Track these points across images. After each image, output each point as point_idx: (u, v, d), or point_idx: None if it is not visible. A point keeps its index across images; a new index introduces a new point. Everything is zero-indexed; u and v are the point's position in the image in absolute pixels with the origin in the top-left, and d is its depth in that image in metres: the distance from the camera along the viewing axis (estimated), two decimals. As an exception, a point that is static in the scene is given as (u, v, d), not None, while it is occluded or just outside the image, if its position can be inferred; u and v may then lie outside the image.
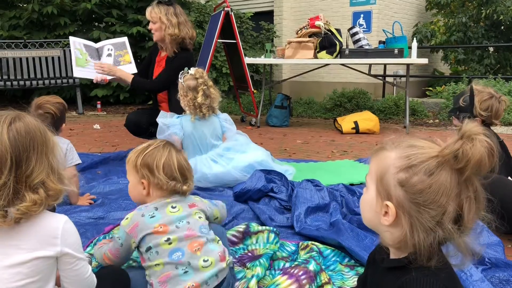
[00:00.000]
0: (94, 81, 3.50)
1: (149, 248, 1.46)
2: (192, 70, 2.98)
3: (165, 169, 1.53)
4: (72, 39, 3.56)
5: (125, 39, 3.76)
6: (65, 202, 2.54)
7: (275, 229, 2.04)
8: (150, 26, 3.53)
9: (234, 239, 2.02)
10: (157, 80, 3.58)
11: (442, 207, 0.89)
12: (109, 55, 3.61)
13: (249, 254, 1.90)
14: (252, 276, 1.63)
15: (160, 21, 3.45)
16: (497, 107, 2.49)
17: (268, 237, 1.98)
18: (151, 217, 1.48)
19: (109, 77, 3.54)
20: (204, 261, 1.46)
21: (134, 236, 1.48)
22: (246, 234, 2.03)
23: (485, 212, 0.93)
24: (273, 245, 1.94)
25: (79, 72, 3.50)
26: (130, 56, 3.69)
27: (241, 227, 2.07)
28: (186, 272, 1.43)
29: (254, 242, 1.99)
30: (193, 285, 1.41)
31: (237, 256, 1.89)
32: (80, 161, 2.54)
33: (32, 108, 2.42)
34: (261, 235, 2.01)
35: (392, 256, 1.00)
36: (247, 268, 1.74)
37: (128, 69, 3.63)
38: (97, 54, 3.60)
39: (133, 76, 3.54)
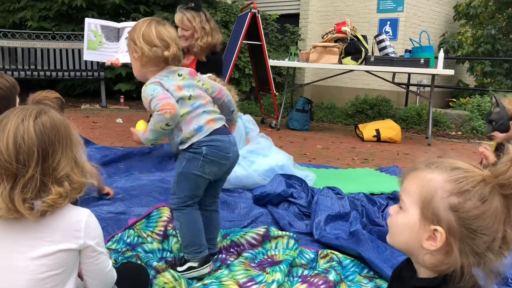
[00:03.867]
0: (106, 64, 3.51)
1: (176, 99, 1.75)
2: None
3: (144, 38, 1.76)
4: (87, 20, 3.48)
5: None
6: (86, 194, 2.56)
7: (295, 235, 2.04)
8: (182, 32, 3.42)
9: (253, 241, 2.03)
10: None
11: (495, 232, 0.88)
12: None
13: (269, 259, 1.90)
14: (273, 281, 1.63)
15: (194, 30, 3.40)
16: None
17: (288, 243, 1.98)
18: (166, 78, 1.79)
19: (121, 61, 3.52)
20: (215, 109, 1.86)
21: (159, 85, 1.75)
22: (266, 238, 2.03)
23: None
24: (292, 251, 1.94)
25: (89, 55, 3.49)
26: None
27: (261, 230, 2.08)
28: (204, 111, 1.80)
29: (273, 247, 1.99)
30: (210, 118, 1.79)
31: (256, 261, 1.90)
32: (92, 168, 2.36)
33: (29, 103, 2.26)
34: (281, 240, 2.00)
35: (421, 275, 0.97)
36: (267, 273, 1.74)
37: None
38: (117, 35, 3.53)
39: None
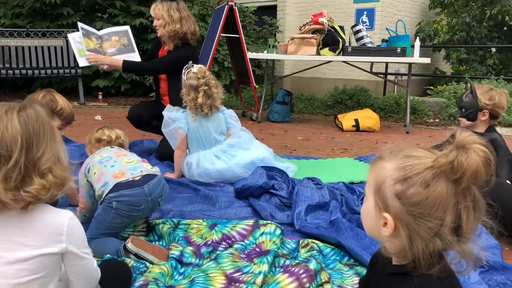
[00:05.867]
0: (100, 68, 3.55)
1: (88, 169, 2.03)
2: (195, 68, 2.99)
3: None
4: (70, 36, 3.56)
5: (127, 27, 3.75)
6: (67, 203, 2.51)
7: (280, 226, 2.09)
8: (155, 22, 3.56)
9: (244, 232, 2.08)
10: (152, 63, 3.59)
11: (439, 219, 0.89)
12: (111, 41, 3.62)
13: (257, 249, 1.95)
14: (259, 272, 1.66)
15: (162, 18, 3.47)
16: (499, 98, 2.58)
17: (275, 230, 2.03)
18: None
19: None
20: (128, 160, 2.03)
21: (84, 172, 2.06)
22: (256, 227, 2.08)
23: (486, 218, 0.92)
24: (278, 239, 1.98)
25: (84, 62, 3.52)
26: (133, 45, 3.69)
27: (250, 222, 2.14)
28: (113, 166, 1.98)
29: (261, 234, 2.04)
30: (120, 172, 1.95)
31: (246, 252, 1.94)
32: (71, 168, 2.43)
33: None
34: (269, 226, 2.06)
35: (394, 262, 1.00)
36: (254, 264, 1.77)
37: (132, 57, 3.63)
38: (101, 40, 3.61)
39: (123, 60, 3.53)
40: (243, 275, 1.70)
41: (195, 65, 3.03)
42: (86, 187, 2.07)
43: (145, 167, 2.04)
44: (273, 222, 2.12)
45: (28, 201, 1.09)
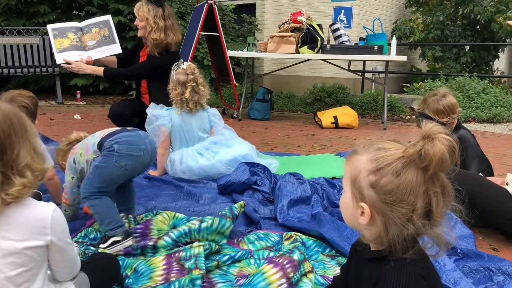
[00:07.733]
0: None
1: (74, 160, 2.07)
2: (185, 65, 3.04)
3: None
4: (49, 26, 3.52)
5: (108, 17, 3.74)
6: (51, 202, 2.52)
7: (224, 212, 2.01)
8: (136, 22, 3.56)
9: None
10: (131, 69, 3.64)
11: (411, 205, 0.96)
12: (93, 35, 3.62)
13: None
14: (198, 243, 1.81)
15: (146, 22, 3.46)
16: (447, 105, 2.59)
17: (212, 223, 1.94)
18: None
19: (93, 57, 3.57)
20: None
21: (68, 170, 2.10)
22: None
23: (455, 203, 1.00)
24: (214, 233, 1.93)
25: (61, 58, 3.51)
26: (114, 35, 3.70)
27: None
28: (94, 135, 2.07)
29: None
30: (103, 131, 2.04)
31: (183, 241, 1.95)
32: (53, 163, 2.35)
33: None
34: (205, 221, 1.99)
35: (372, 248, 1.07)
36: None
37: (113, 49, 3.64)
38: (82, 33, 3.59)
39: (103, 68, 3.56)
40: (183, 252, 1.76)
41: (185, 62, 3.07)
42: (70, 184, 2.10)
43: None
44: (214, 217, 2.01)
45: (10, 202, 1.11)
